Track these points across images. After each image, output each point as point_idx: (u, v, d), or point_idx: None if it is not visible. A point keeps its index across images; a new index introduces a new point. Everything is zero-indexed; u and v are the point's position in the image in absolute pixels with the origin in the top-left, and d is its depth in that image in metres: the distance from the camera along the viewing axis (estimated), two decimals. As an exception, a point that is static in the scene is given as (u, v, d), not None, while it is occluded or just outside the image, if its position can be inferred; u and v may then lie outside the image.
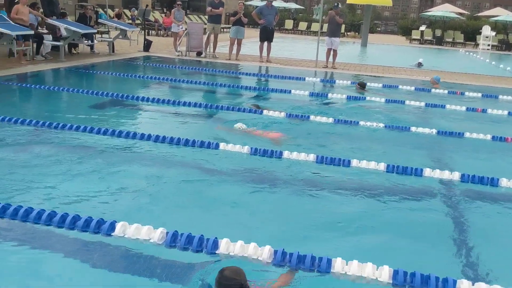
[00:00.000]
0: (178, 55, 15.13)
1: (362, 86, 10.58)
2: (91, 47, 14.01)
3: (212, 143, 5.72)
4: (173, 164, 5.25)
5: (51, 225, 3.52)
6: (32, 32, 10.47)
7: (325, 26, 15.71)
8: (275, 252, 3.25)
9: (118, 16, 22.96)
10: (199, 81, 10.63)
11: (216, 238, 3.34)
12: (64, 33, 12.00)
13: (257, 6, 20.00)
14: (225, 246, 3.29)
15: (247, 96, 9.53)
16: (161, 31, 23.90)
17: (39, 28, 11.98)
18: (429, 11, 39.43)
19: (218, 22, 15.24)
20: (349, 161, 5.40)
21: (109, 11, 23.61)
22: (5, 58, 11.35)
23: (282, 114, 7.67)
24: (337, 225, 3.97)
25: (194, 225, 3.70)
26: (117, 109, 7.71)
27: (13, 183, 4.31)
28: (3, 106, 7.31)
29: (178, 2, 15.58)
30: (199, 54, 15.40)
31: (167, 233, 3.42)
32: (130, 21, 24.96)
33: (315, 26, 37.46)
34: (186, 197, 4.36)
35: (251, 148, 5.62)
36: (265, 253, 3.23)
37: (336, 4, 14.56)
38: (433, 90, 11.41)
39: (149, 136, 5.86)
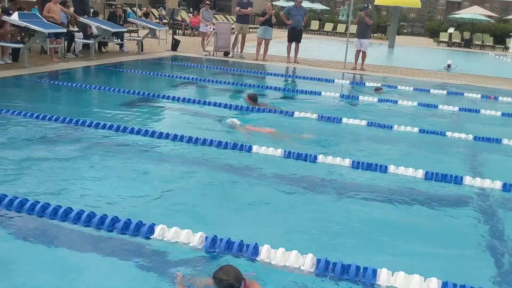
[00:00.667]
0: (206, 55, 15.13)
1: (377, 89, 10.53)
2: (121, 45, 14.11)
3: (245, 145, 5.65)
4: (206, 166, 5.17)
5: (89, 227, 3.50)
6: (64, 30, 10.57)
7: (353, 27, 15.50)
8: (318, 261, 3.16)
9: (146, 15, 23.09)
10: (227, 81, 10.58)
11: (256, 244, 3.27)
12: (95, 31, 12.11)
13: (282, 7, 19.85)
14: (265, 253, 3.21)
15: (276, 97, 9.45)
16: (187, 31, 23.97)
17: (70, 26, 12.09)
18: (458, 13, 38.74)
19: (246, 22, 15.19)
20: (386, 167, 5.27)
21: (137, 10, 23.82)
22: (38, 56, 11.50)
23: (314, 116, 7.57)
24: (377, 233, 3.85)
25: (229, 229, 3.65)
26: (147, 108, 7.71)
27: (48, 182, 4.31)
28: (36, 103, 7.38)
29: (207, 2, 15.58)
30: (226, 54, 15.38)
31: (206, 237, 3.36)
32: (158, 21, 25.10)
33: (341, 27, 37.23)
34: (220, 201, 4.29)
35: (284, 151, 5.54)
36: (307, 262, 3.14)
37: (366, 5, 14.37)
38: (465, 93, 11.14)
39: (181, 137, 5.82)
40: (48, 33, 9.96)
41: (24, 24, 9.37)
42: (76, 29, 12.04)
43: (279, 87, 10.34)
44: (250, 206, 4.22)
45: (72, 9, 13.18)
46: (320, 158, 5.43)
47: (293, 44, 14.77)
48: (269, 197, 4.41)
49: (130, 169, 4.79)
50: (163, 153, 5.45)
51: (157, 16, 26.41)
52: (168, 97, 8.35)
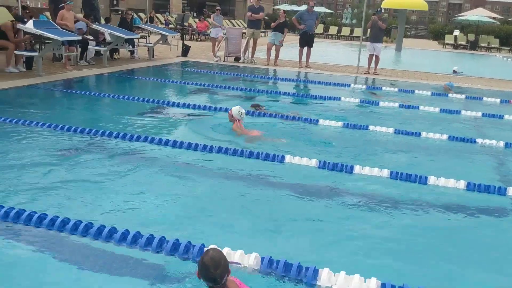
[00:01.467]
0: (217, 61, 14.99)
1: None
2: (131, 52, 13.96)
3: (278, 155, 5.48)
4: (238, 178, 4.96)
5: (135, 248, 3.33)
6: (79, 37, 10.43)
7: (357, 30, 15.40)
8: (383, 285, 2.99)
9: (150, 20, 22.94)
10: (239, 87, 10.42)
11: (315, 267, 3.09)
12: (108, 38, 11.96)
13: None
14: (326, 277, 3.04)
15: (289, 102, 9.33)
16: (194, 36, 23.86)
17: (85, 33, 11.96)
18: (462, 15, 38.64)
19: (258, 27, 15.10)
20: (426, 178, 5.10)
21: (142, 15, 23.71)
22: (50, 63, 11.35)
23: (340, 124, 7.41)
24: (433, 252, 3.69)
25: (276, 248, 3.48)
26: (163, 116, 7.50)
27: (70, 197, 4.13)
28: (53, 112, 7.21)
29: (218, 8, 15.49)
30: (237, 59, 15.25)
31: (262, 258, 3.19)
32: (164, 26, 24.97)
33: (345, 31, 37.13)
34: (258, 216, 4.07)
35: (319, 162, 5.37)
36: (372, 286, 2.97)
37: (379, 9, 14.24)
38: (484, 98, 10.98)
39: (208, 147, 5.65)
40: (62, 40, 9.81)
41: (39, 32, 9.23)
42: (90, 36, 11.89)
43: (294, 93, 10.19)
44: (288, 222, 4.00)
45: (81, 16, 13.04)
46: (357, 169, 5.26)
47: (305, 49, 14.66)
48: (308, 212, 4.23)
49: (155, 183, 4.61)
50: (190, 165, 5.24)
51: (163, 22, 26.30)
52: (183, 105, 8.13)
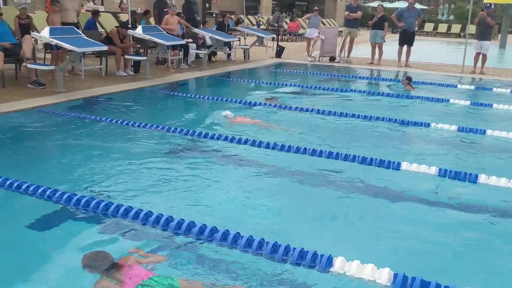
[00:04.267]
0: (311, 61, 14.85)
1: (409, 79, 10.44)
2: (228, 54, 14.21)
3: (393, 162, 5.22)
4: (353, 187, 4.76)
5: (261, 255, 3.29)
6: (184, 42, 10.78)
7: (455, 26, 14.51)
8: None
9: (237, 22, 23.28)
10: (335, 88, 10.18)
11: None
12: (208, 41, 12.27)
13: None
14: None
15: (391, 105, 8.97)
16: (285, 36, 23.86)
17: (185, 37, 12.35)
18: None
19: (355, 26, 14.78)
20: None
21: (244, 18, 24.08)
22: (154, 66, 11.83)
23: (453, 128, 6.96)
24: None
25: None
26: (263, 118, 7.48)
27: (173, 196, 4.21)
28: (158, 113, 7.44)
29: (315, 8, 15.34)
30: (332, 59, 14.99)
31: (395, 275, 3.00)
32: (255, 27, 25.25)
33: (442, 27, 35.33)
34: (379, 228, 3.89)
35: (439, 170, 5.04)
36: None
37: (489, 4, 13.32)
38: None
39: (312, 151, 5.50)
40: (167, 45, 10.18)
41: (148, 37, 9.65)
42: (191, 40, 12.26)
43: (395, 94, 9.77)
44: (413, 236, 3.78)
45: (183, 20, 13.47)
46: (482, 178, 4.88)
47: (404, 48, 14.08)
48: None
49: (261, 187, 4.57)
50: (293, 170, 5.15)
51: (254, 23, 26.60)
52: (279, 107, 8.09)
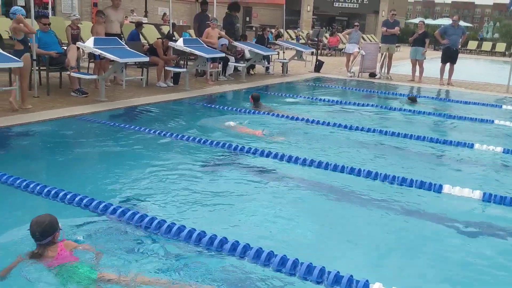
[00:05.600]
0: (351, 76, 14.71)
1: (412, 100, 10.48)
2: (267, 68, 14.23)
3: (435, 184, 5.03)
4: (392, 209, 4.59)
5: (294, 275, 3.20)
6: (223, 55, 10.85)
7: (500, 45, 14.11)
8: None
9: (277, 36, 23.34)
10: (374, 104, 10.01)
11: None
12: (247, 55, 12.32)
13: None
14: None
15: (431, 123, 8.71)
16: (324, 51, 23.76)
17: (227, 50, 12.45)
18: None
19: (393, 42, 14.57)
20: None
21: (284, 32, 24.17)
22: (193, 78, 11.96)
23: (498, 149, 6.69)
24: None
25: None
26: (298, 133, 7.39)
27: (207, 211, 4.18)
28: (195, 126, 7.42)
29: (356, 23, 15.24)
30: (372, 75, 14.80)
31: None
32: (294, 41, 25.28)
33: (486, 45, 34.45)
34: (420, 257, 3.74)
35: (484, 194, 4.83)
36: None
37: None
38: None
39: (350, 169, 5.37)
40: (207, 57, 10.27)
41: (188, 49, 9.77)
42: (229, 53, 12.34)
43: (436, 113, 9.52)
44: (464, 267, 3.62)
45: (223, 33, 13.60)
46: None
47: (447, 65, 13.75)
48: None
49: (292, 201, 4.50)
50: (326, 185, 5.04)
51: (293, 37, 26.64)
52: (317, 122, 7.97)
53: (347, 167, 5.44)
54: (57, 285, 2.89)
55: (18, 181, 4.34)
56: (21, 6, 7.93)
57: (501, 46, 33.51)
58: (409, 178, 5.14)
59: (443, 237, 4.02)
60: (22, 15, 7.19)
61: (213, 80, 11.65)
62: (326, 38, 24.82)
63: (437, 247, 3.79)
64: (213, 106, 9.07)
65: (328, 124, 7.86)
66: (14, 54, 6.92)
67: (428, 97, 11.72)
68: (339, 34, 26.10)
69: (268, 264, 3.27)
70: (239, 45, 12.41)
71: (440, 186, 4.99)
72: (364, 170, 5.35)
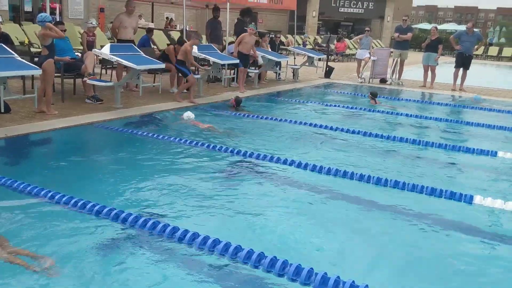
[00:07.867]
0: (361, 82, 14.63)
1: (374, 95, 10.81)
2: (278, 74, 14.16)
3: (465, 195, 4.93)
4: (420, 221, 4.45)
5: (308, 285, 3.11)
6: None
7: (506, 50, 14.04)
8: None
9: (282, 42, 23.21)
10: (385, 111, 9.92)
11: None
12: (260, 61, 12.24)
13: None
14: None
15: (446, 130, 8.65)
16: (332, 56, 23.66)
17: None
18: None
19: (406, 48, 14.48)
20: None
21: (297, 38, 24.16)
22: (206, 84, 11.87)
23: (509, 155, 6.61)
24: None
25: None
26: (315, 139, 7.32)
27: (227, 219, 4.14)
28: (206, 132, 7.36)
29: (367, 29, 15.14)
30: (383, 81, 14.72)
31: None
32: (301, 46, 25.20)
33: (492, 51, 34.36)
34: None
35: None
36: None
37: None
38: None
39: (377, 179, 5.27)
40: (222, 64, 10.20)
41: (202, 55, 9.71)
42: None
43: (449, 119, 9.44)
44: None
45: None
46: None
47: (461, 71, 13.67)
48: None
49: (311, 211, 4.40)
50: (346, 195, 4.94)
51: (300, 43, 26.55)
52: (330, 128, 7.92)
53: (373, 177, 5.34)
54: None
55: (43, 191, 4.27)
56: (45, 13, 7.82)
57: (507, 51, 33.42)
58: (438, 188, 5.04)
59: (478, 251, 3.93)
60: (50, 22, 7.20)
61: (225, 86, 11.55)
62: (333, 44, 24.75)
63: (474, 263, 3.70)
64: (223, 112, 8.92)
65: (348, 131, 7.79)
66: (43, 59, 7.06)
67: (441, 103, 11.59)
68: (346, 39, 26.04)
69: (283, 274, 3.21)
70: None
71: (471, 197, 4.90)
72: (391, 180, 5.26)
